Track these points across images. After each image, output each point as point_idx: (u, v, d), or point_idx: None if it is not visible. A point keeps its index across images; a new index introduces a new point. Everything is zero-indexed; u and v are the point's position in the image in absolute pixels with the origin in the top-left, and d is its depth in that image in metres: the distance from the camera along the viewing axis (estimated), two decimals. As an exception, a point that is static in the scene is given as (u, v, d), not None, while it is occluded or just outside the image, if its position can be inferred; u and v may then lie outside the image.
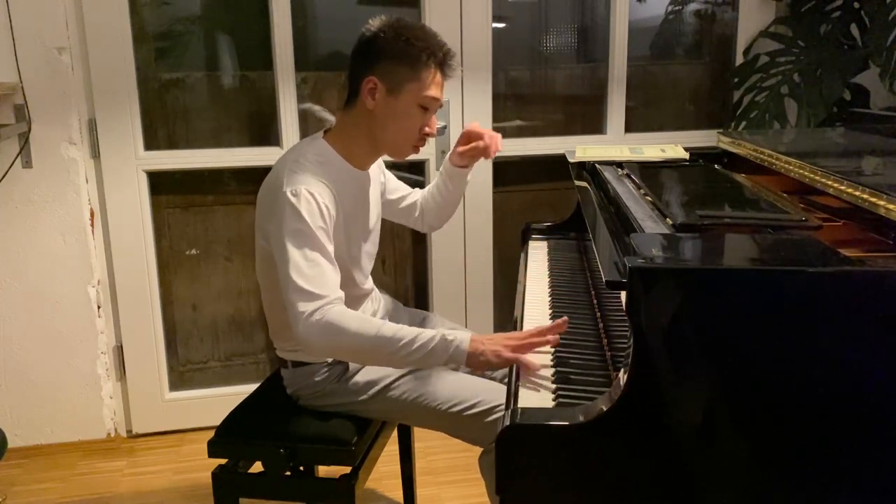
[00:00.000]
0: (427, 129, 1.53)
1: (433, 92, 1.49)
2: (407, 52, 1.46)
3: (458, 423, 1.52)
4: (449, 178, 1.81)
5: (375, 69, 1.47)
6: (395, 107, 1.48)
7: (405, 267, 2.83)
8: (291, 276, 1.38)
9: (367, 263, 1.70)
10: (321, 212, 1.43)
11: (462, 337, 1.36)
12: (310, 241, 1.41)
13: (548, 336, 1.34)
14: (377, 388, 1.57)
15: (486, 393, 1.52)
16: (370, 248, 1.71)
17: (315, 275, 1.39)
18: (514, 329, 1.53)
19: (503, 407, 1.43)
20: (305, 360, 1.60)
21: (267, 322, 1.66)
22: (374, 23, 1.49)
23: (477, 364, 1.35)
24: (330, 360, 1.59)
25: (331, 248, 1.45)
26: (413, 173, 2.72)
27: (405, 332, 1.37)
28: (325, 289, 1.39)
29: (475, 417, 1.50)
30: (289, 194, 1.42)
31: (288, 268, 1.39)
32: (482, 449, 1.51)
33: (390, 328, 1.38)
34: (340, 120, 1.57)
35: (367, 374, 1.59)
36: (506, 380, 1.37)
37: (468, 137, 1.75)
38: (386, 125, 1.51)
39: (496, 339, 1.37)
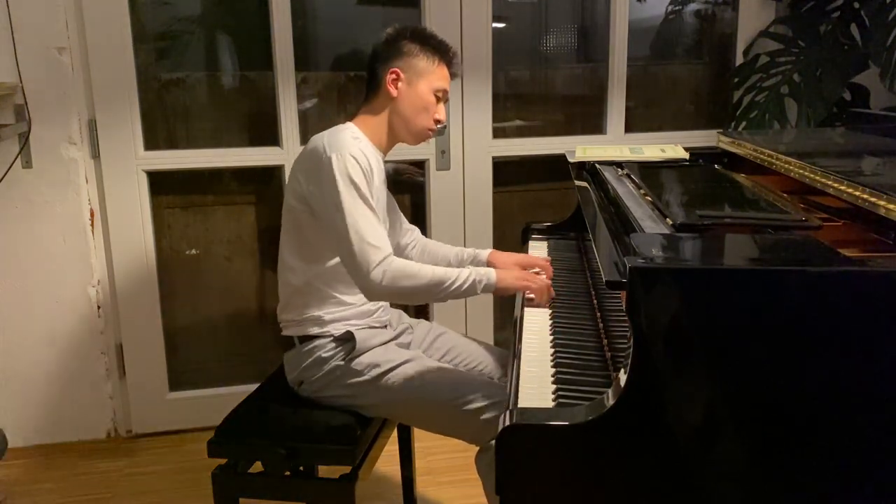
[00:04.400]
0: (438, 115, 1.74)
1: (444, 84, 1.74)
2: (424, 51, 1.71)
3: (454, 417, 1.54)
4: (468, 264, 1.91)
5: (397, 63, 1.70)
6: (414, 93, 1.70)
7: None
8: (357, 233, 1.53)
9: None
10: (365, 176, 1.59)
11: (489, 272, 1.64)
12: (365, 200, 1.57)
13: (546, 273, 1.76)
14: (379, 370, 1.62)
15: (484, 389, 1.55)
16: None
17: (376, 232, 1.55)
18: (514, 330, 1.56)
19: (500, 405, 1.44)
20: (313, 332, 1.66)
21: (278, 293, 1.72)
22: (392, 29, 1.75)
23: (504, 287, 1.64)
24: (337, 334, 1.65)
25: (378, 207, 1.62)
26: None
27: (449, 273, 1.59)
28: (384, 243, 1.56)
29: (472, 414, 1.51)
30: (336, 159, 1.56)
31: (347, 226, 1.54)
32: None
33: (438, 271, 1.58)
34: (363, 111, 1.74)
35: (371, 356, 1.64)
36: (504, 379, 1.38)
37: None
38: (406, 109, 1.71)
39: (512, 271, 1.73)
